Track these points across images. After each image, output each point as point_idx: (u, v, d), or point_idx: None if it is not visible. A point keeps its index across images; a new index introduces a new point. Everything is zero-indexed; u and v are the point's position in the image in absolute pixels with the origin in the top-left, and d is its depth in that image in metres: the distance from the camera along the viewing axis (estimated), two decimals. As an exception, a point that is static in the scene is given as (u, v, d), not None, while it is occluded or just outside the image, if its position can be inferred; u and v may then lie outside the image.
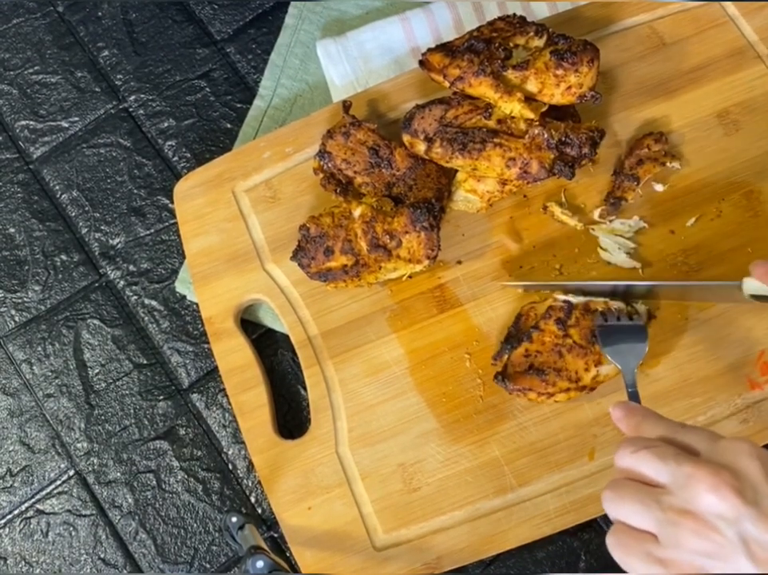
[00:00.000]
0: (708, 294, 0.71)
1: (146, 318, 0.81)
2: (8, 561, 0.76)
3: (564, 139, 0.71)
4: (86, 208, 0.85)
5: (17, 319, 0.82)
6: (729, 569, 0.46)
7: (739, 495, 0.46)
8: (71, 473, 0.78)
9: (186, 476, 0.76)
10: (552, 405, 0.70)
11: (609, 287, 0.71)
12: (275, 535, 0.74)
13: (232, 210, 0.79)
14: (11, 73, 0.90)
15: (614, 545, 0.50)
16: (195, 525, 0.75)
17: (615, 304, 0.71)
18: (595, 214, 0.75)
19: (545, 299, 0.72)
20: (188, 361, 0.79)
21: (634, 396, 0.65)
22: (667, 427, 0.53)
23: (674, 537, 0.47)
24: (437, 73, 0.74)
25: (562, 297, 0.72)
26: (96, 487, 0.77)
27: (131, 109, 0.88)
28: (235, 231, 0.78)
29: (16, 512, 0.77)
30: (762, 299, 0.65)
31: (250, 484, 0.76)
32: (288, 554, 0.72)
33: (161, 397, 0.79)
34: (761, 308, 0.71)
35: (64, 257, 0.84)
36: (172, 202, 0.81)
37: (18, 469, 0.78)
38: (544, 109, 0.72)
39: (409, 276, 0.74)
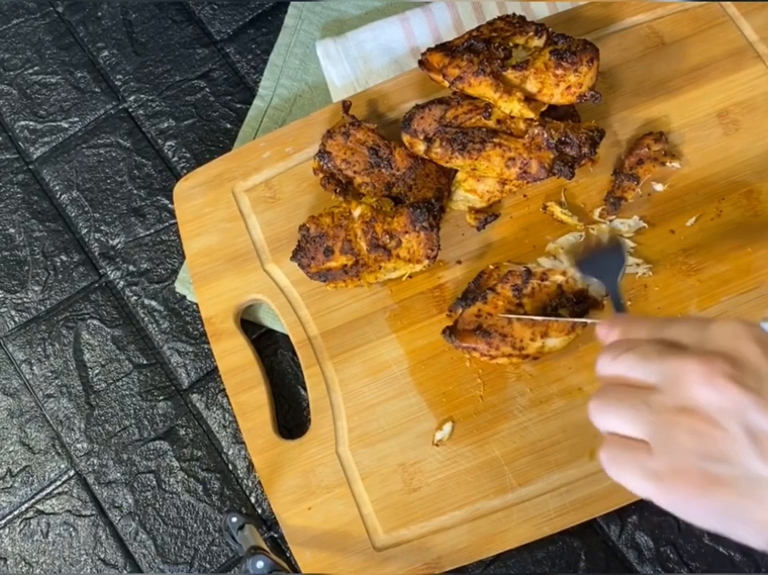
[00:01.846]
0: None
1: (146, 318, 0.81)
2: (8, 562, 0.76)
3: (563, 139, 0.71)
4: (86, 209, 0.85)
5: (17, 319, 0.82)
6: (736, 470, 0.40)
7: (738, 383, 0.41)
8: (71, 473, 0.78)
9: (186, 476, 0.76)
10: (552, 404, 0.70)
11: None
12: (275, 535, 0.74)
13: (232, 210, 0.79)
14: (11, 73, 0.90)
15: (607, 460, 0.44)
16: (195, 525, 0.75)
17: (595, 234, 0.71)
18: (595, 214, 0.75)
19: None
20: (188, 361, 0.79)
21: (618, 307, 0.62)
22: (653, 325, 0.47)
23: (669, 441, 0.42)
24: (436, 72, 0.74)
25: (522, 266, 0.72)
26: (97, 487, 0.77)
27: (131, 110, 0.88)
28: (235, 231, 0.78)
29: (16, 512, 0.77)
30: None
31: (250, 484, 0.76)
32: (288, 554, 0.72)
33: (161, 397, 0.79)
34: (761, 307, 0.71)
35: (64, 257, 0.84)
36: (172, 202, 0.81)
37: (18, 469, 0.78)
38: (544, 108, 0.72)
39: (409, 276, 0.74)
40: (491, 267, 0.73)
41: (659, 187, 0.75)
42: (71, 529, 0.76)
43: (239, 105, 0.86)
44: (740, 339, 0.43)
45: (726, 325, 0.44)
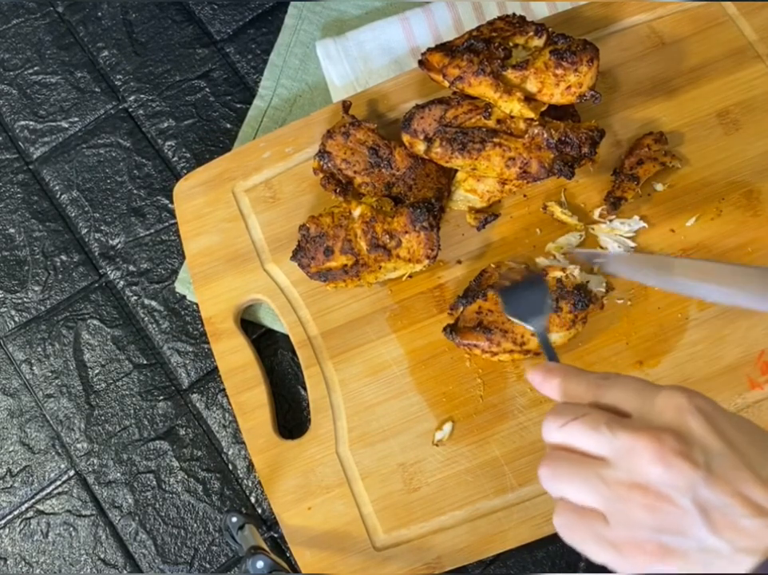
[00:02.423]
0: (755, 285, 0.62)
1: (146, 318, 0.81)
2: (8, 562, 0.76)
3: (563, 138, 0.71)
4: (86, 209, 0.85)
5: (17, 319, 0.82)
6: (690, 542, 0.42)
7: (687, 460, 0.42)
8: (71, 473, 0.78)
9: (186, 476, 0.76)
10: (552, 404, 0.70)
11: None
12: (275, 535, 0.74)
13: (232, 210, 0.79)
14: (11, 73, 0.90)
15: (562, 527, 0.45)
16: (195, 525, 0.75)
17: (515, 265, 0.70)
18: (595, 213, 0.75)
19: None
20: (188, 361, 0.79)
21: (550, 354, 0.59)
22: (590, 384, 0.48)
23: (625, 514, 0.43)
24: (436, 72, 0.74)
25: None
26: (96, 487, 0.77)
27: (131, 110, 0.88)
28: (235, 231, 0.78)
29: (16, 512, 0.77)
30: None
31: (250, 484, 0.76)
32: (288, 554, 0.72)
33: (161, 397, 0.79)
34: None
35: (64, 257, 0.84)
36: (172, 202, 0.81)
37: (18, 469, 0.78)
38: (544, 108, 0.72)
39: (409, 276, 0.74)
40: (492, 266, 0.73)
41: (659, 187, 0.75)
42: (71, 529, 0.76)
43: (239, 105, 0.86)
44: (685, 412, 0.44)
45: (669, 397, 0.45)
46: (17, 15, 0.92)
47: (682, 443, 0.43)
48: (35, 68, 0.90)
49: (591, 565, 0.70)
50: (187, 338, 0.80)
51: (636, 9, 0.80)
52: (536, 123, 0.71)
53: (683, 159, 0.76)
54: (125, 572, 0.75)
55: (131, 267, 0.83)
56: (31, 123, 0.88)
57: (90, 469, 0.78)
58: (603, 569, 0.70)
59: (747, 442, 0.44)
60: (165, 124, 0.87)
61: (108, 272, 0.83)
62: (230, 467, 0.76)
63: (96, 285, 0.83)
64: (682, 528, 0.42)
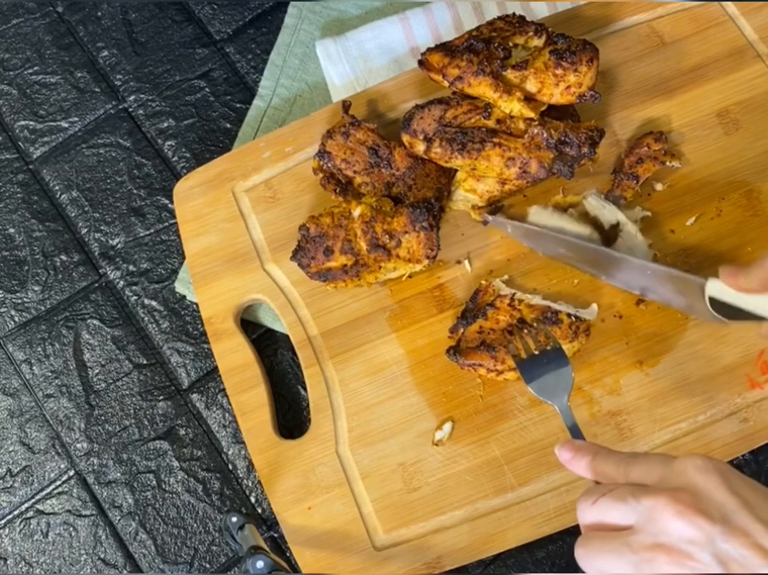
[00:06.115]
0: (669, 287, 0.66)
1: (146, 318, 0.81)
2: (8, 562, 0.76)
3: (563, 138, 0.71)
4: (86, 208, 0.85)
5: (17, 319, 0.82)
6: None
7: (705, 515, 0.45)
8: (71, 473, 0.78)
9: (186, 476, 0.76)
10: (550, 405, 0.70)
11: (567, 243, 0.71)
12: (275, 535, 0.74)
13: (232, 210, 0.79)
14: (11, 73, 0.90)
15: None
16: (195, 525, 0.75)
17: (528, 334, 0.70)
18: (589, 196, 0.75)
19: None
20: (188, 361, 0.79)
21: (575, 431, 0.61)
22: (619, 461, 0.51)
23: (654, 573, 0.46)
24: (436, 72, 0.74)
25: (506, 290, 0.72)
26: (96, 487, 0.77)
27: (130, 109, 0.88)
28: (235, 231, 0.78)
29: (16, 512, 0.77)
30: (720, 313, 0.60)
31: (250, 484, 0.76)
32: (288, 554, 0.72)
33: (161, 397, 0.79)
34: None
35: (64, 257, 0.84)
36: (172, 202, 0.81)
37: (18, 469, 0.78)
38: (544, 108, 0.72)
39: (409, 276, 0.74)
40: (484, 283, 0.73)
41: (658, 186, 0.75)
42: (71, 529, 0.76)
43: (239, 105, 0.86)
44: (701, 472, 0.47)
45: (686, 461, 0.48)
46: (17, 15, 0.92)
47: (698, 499, 0.46)
48: (35, 68, 0.90)
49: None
50: (187, 338, 0.80)
51: (636, 8, 0.80)
52: (536, 123, 0.71)
53: (683, 158, 0.76)
54: (125, 572, 0.75)
55: (131, 267, 0.83)
56: (31, 123, 0.88)
57: (90, 469, 0.78)
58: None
59: (761, 499, 0.46)
60: (165, 124, 0.87)
61: (108, 272, 0.83)
62: (230, 467, 0.76)
63: (96, 285, 0.83)
64: None
